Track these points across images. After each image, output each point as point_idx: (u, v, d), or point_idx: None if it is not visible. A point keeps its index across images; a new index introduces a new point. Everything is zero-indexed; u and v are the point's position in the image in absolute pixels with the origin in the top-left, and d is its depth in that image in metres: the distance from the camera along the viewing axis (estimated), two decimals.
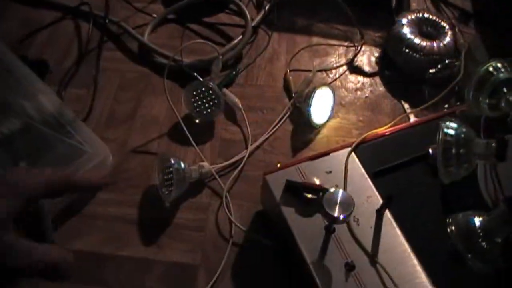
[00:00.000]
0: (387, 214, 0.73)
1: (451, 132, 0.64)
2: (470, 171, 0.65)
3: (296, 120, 0.93)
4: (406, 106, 0.96)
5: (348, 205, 0.66)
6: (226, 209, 0.81)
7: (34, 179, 0.50)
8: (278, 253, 0.78)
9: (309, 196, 0.72)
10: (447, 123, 0.65)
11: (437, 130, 0.65)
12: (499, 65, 0.68)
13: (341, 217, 0.65)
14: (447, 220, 0.65)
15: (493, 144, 0.63)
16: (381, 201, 0.74)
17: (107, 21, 1.04)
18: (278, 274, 0.77)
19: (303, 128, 0.93)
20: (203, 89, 0.89)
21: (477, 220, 0.63)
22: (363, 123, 0.94)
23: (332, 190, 0.66)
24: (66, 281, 0.48)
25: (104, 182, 0.61)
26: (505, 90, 0.67)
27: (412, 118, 0.93)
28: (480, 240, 0.62)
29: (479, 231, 0.62)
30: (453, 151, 0.63)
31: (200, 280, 0.76)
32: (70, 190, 0.54)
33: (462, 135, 0.64)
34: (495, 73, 0.68)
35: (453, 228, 0.63)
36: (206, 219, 0.82)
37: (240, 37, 1.01)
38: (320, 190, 0.72)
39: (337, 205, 0.65)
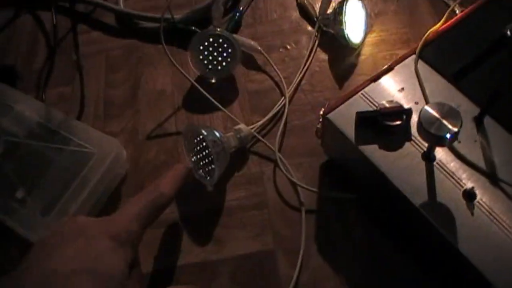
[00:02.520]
0: (488, 119, 0.56)
1: None
2: None
3: (328, 47, 0.75)
4: None
5: (454, 117, 0.49)
6: (286, 172, 0.63)
7: (125, 222, 0.48)
8: (365, 205, 0.61)
9: (392, 123, 0.54)
10: None
11: None
12: None
13: (450, 134, 0.48)
14: None
15: None
16: (474, 107, 0.57)
17: None
18: (373, 229, 0.60)
19: (340, 53, 0.74)
20: (211, 40, 0.70)
21: None
22: (406, 29, 0.76)
23: (425, 105, 0.49)
24: None
25: (186, 171, 0.58)
26: None
27: (458, 10, 0.75)
28: None
29: None
30: None
31: (282, 266, 0.58)
32: (164, 209, 0.53)
33: None
34: None
35: None
36: (264, 192, 0.64)
37: None
38: (402, 113, 0.54)
39: (441, 121, 0.48)
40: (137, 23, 0.81)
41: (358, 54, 0.74)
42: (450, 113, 0.49)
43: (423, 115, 0.49)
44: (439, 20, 0.67)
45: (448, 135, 0.48)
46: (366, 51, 0.74)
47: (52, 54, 0.80)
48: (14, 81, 0.77)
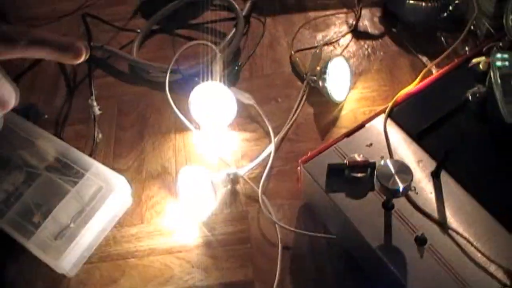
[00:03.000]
0: (444, 174, 0.64)
1: (506, 63, 0.55)
2: None
3: (315, 101, 0.85)
4: (424, 59, 0.88)
5: (405, 173, 0.57)
6: (267, 212, 0.72)
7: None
8: (335, 245, 0.70)
9: (357, 175, 0.63)
10: (497, 55, 0.56)
11: (469, 71, 0.57)
12: None
13: (402, 188, 0.56)
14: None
15: None
16: (433, 163, 0.65)
17: (91, 42, 0.94)
18: (341, 266, 0.68)
19: (324, 107, 0.84)
20: (210, 92, 0.79)
21: None
22: (386, 87, 0.86)
23: (382, 162, 0.58)
24: None
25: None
26: None
27: (434, 70, 0.84)
28: None
29: None
30: None
31: None
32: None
33: None
34: None
35: None
36: (248, 229, 0.73)
37: (234, 30, 0.92)
38: (367, 166, 0.63)
39: (394, 176, 0.57)
40: (148, 72, 0.91)
41: (341, 109, 0.83)
42: (402, 169, 0.57)
43: (379, 172, 0.57)
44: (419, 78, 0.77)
45: (400, 189, 0.56)
46: (348, 106, 0.83)
47: (71, 95, 0.91)
48: (36, 118, 0.87)
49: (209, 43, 0.81)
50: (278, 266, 0.68)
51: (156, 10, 0.99)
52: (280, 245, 0.70)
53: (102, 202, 0.72)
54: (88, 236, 0.71)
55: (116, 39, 0.99)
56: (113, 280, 0.70)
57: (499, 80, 0.55)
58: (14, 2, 1.09)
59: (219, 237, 0.72)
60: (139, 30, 0.97)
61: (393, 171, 0.57)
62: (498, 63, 0.56)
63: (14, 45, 0.48)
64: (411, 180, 0.57)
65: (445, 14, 0.88)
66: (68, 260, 0.70)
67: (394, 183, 0.56)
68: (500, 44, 0.70)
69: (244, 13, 0.95)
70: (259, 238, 0.72)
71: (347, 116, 0.82)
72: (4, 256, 0.73)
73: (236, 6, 0.94)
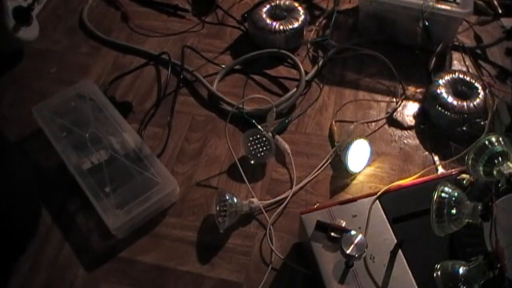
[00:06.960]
0: (401, 255, 0.91)
1: (444, 194, 0.83)
2: (461, 227, 0.84)
3: (336, 166, 1.14)
4: (436, 158, 1.15)
5: (361, 246, 0.86)
6: (269, 240, 1.03)
7: None
8: (309, 280, 0.99)
9: (335, 235, 0.93)
10: (442, 187, 0.84)
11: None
12: (493, 139, 0.86)
13: (353, 255, 0.85)
14: (435, 266, 0.84)
15: (479, 207, 0.82)
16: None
17: (181, 74, 1.28)
18: None
19: (341, 173, 1.13)
20: (258, 135, 1.11)
21: (461, 269, 0.81)
22: (395, 171, 1.13)
23: (353, 232, 0.87)
24: None
25: None
26: (496, 161, 0.85)
27: (440, 170, 1.12)
28: (460, 284, 0.81)
29: (461, 277, 0.81)
30: (445, 210, 0.83)
31: None
32: None
33: (454, 198, 0.83)
34: (490, 146, 0.86)
35: (439, 273, 0.83)
36: (252, 246, 1.03)
37: (294, 89, 1.23)
38: (344, 231, 0.91)
39: (353, 245, 0.86)
40: (219, 102, 1.23)
41: (354, 179, 1.12)
42: (361, 242, 0.86)
43: (344, 238, 0.87)
44: (420, 174, 1.05)
45: (356, 256, 0.86)
46: (360, 178, 1.12)
47: (159, 102, 1.25)
48: (128, 113, 1.21)
49: (269, 99, 1.12)
50: (263, 280, 0.98)
51: (243, 53, 1.31)
52: (270, 266, 1.00)
53: (157, 193, 1.04)
54: (140, 214, 1.03)
55: (204, 67, 1.31)
56: (147, 250, 1.03)
57: (435, 206, 0.83)
58: (137, 11, 1.44)
59: (230, 245, 1.03)
60: (223, 66, 1.29)
61: (354, 241, 0.87)
62: (443, 194, 0.84)
63: None
64: (362, 253, 0.85)
65: (464, 128, 1.16)
66: (121, 226, 1.01)
67: (349, 249, 0.86)
68: (458, 177, 0.97)
69: (307, 77, 1.25)
70: (257, 255, 1.02)
71: (356, 186, 1.11)
72: (78, 207, 1.08)
73: (303, 71, 1.24)
